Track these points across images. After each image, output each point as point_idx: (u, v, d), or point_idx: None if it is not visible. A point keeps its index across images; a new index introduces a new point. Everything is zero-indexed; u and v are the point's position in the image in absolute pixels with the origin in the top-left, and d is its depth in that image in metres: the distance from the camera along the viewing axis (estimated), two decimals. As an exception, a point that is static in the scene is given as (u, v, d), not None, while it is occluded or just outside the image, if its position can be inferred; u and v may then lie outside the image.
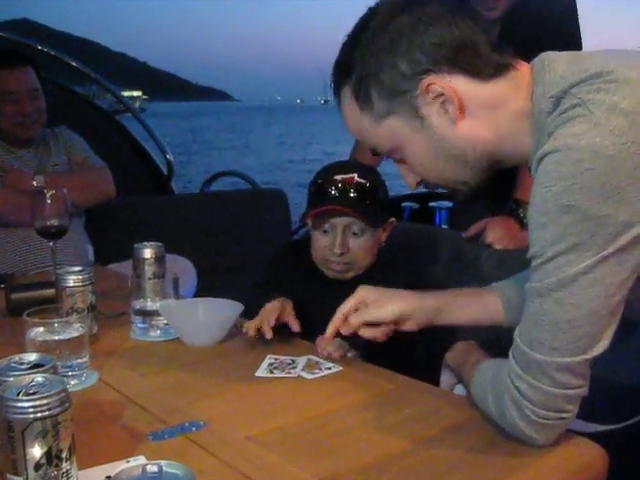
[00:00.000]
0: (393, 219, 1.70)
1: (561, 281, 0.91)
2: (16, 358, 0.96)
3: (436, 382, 1.34)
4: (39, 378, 0.87)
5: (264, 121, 68.79)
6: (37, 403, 0.82)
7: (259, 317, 1.45)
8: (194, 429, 1.08)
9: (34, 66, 2.58)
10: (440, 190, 1.24)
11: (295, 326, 1.45)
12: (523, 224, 1.92)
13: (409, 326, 1.28)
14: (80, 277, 1.48)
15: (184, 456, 0.99)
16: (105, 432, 1.09)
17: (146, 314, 1.57)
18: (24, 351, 1.24)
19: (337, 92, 1.11)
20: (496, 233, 1.87)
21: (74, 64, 3.90)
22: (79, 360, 1.28)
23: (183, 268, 2.71)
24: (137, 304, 1.58)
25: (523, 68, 1.05)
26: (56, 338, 1.26)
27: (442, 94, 1.02)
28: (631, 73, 0.94)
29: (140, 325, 1.57)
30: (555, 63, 1.00)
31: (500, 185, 2.08)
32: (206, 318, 1.53)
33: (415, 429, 1.09)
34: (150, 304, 1.58)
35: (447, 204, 3.16)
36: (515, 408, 0.99)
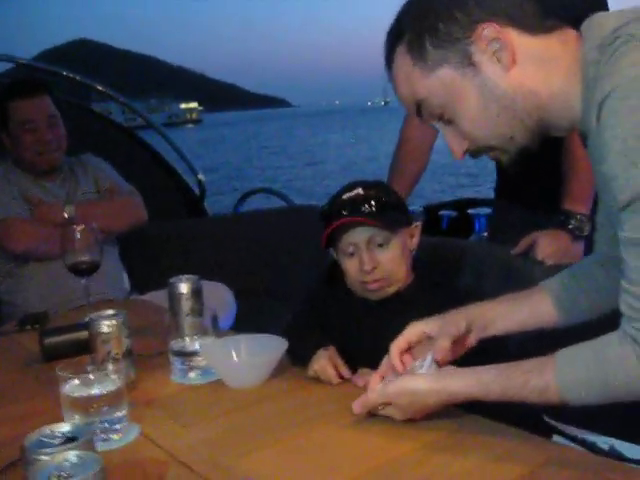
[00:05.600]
0: (418, 223, 1.63)
1: None
2: (47, 431, 0.88)
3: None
4: (73, 457, 0.79)
5: (323, 126, 68.58)
6: (73, 488, 0.74)
7: (323, 368, 1.39)
8: (245, 490, 1.00)
9: (51, 93, 2.53)
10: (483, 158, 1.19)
11: (346, 373, 1.39)
12: (575, 236, 1.81)
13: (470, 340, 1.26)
14: (114, 322, 1.40)
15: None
16: (148, 499, 1.01)
17: (186, 355, 1.49)
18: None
19: (390, 57, 1.12)
20: (547, 248, 1.77)
21: (101, 88, 3.82)
22: (118, 414, 1.20)
23: (222, 295, 2.64)
24: (176, 344, 1.50)
25: (569, 30, 1.06)
26: (92, 393, 1.18)
27: (496, 40, 1.02)
28: None
29: (180, 367, 1.49)
30: (604, 18, 1.02)
31: (542, 192, 2.02)
32: (249, 359, 1.45)
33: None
34: (189, 343, 1.51)
35: (486, 211, 3.04)
36: None
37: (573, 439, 1.43)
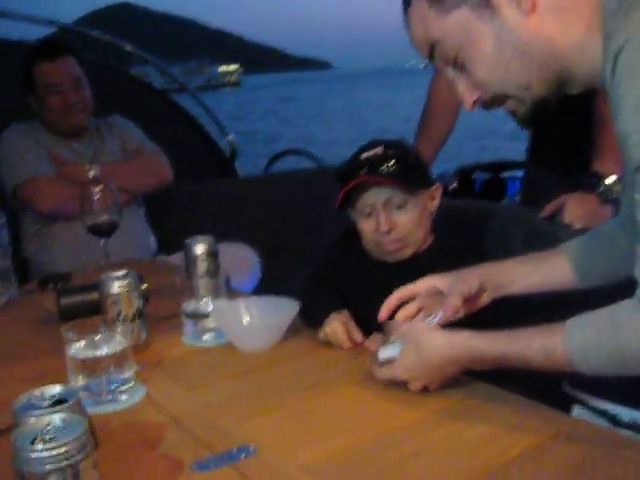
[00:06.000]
0: (438, 185, 1.57)
1: None
2: (37, 393, 0.87)
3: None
4: (57, 420, 0.77)
5: (362, 87, 67.91)
6: (54, 453, 0.73)
7: (335, 331, 1.36)
8: (243, 456, 0.98)
9: (75, 55, 2.51)
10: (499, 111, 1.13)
11: (358, 338, 1.37)
12: (604, 199, 1.74)
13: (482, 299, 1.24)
14: (125, 282, 1.39)
15: (230, 491, 0.90)
16: (146, 461, 1.00)
17: (197, 317, 1.47)
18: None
19: (407, 0, 1.07)
20: (575, 211, 1.70)
21: (137, 51, 3.83)
22: (123, 375, 1.19)
23: (246, 256, 2.63)
24: (188, 306, 1.49)
25: None
26: (97, 354, 1.17)
27: None
28: None
29: (191, 329, 1.47)
30: None
31: (575, 155, 1.94)
32: (259, 321, 1.42)
33: (491, 452, 0.96)
34: (202, 305, 1.49)
35: (520, 174, 2.95)
36: None
37: (594, 410, 1.38)
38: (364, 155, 1.49)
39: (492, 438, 0.99)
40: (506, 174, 3.28)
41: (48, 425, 0.76)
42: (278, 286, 1.73)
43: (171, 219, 2.89)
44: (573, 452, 0.93)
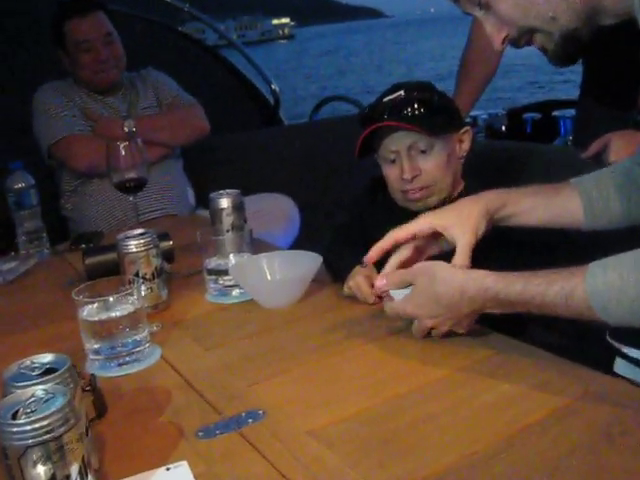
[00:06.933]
0: (468, 127, 1.48)
1: None
2: (27, 362, 0.84)
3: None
4: (40, 391, 0.74)
5: (417, 35, 66.51)
6: (35, 426, 0.69)
7: (359, 285, 1.29)
8: (250, 421, 0.94)
9: (105, 10, 2.46)
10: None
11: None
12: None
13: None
14: (142, 241, 1.35)
15: (234, 458, 0.86)
16: (152, 426, 0.97)
17: (220, 273, 1.43)
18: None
19: None
20: (621, 150, 1.59)
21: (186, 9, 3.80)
22: (137, 337, 1.16)
23: (284, 208, 2.59)
24: (210, 262, 1.44)
25: None
26: (110, 316, 1.15)
27: None
28: None
29: (213, 286, 1.43)
30: None
31: (628, 91, 1.81)
32: (280, 277, 1.37)
33: (513, 414, 0.89)
34: (224, 262, 1.44)
35: (572, 112, 2.79)
36: None
37: (637, 363, 1.30)
38: (386, 98, 1.41)
39: (513, 400, 0.93)
40: (557, 113, 3.12)
41: (31, 397, 0.73)
42: (317, 238, 1.68)
43: (211, 172, 2.84)
44: (601, 416, 0.86)
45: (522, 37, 1.02)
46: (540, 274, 0.94)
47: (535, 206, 1.16)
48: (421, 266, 1.10)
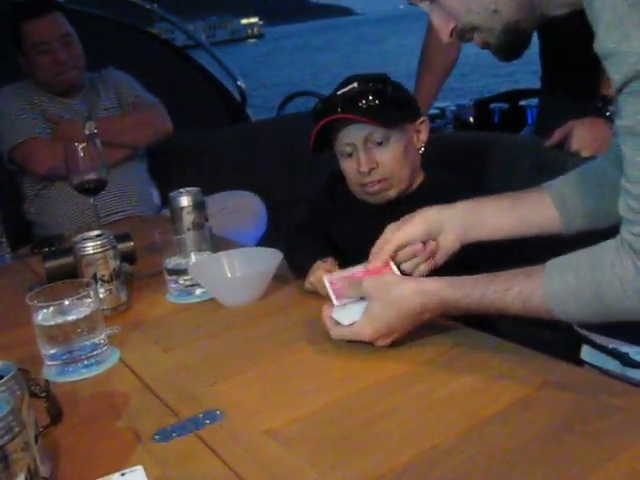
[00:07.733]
0: (425, 118, 1.47)
1: None
2: (-26, 368, 0.81)
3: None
4: (-18, 401, 0.71)
5: (389, 32, 66.43)
6: (-26, 436, 0.67)
7: (320, 280, 1.24)
8: (208, 422, 0.92)
9: (63, 10, 2.41)
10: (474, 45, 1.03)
11: None
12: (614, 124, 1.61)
13: (448, 242, 1.12)
14: (99, 243, 1.33)
15: (190, 461, 0.84)
16: (108, 431, 0.94)
17: (179, 273, 1.40)
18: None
19: None
20: (583, 138, 1.57)
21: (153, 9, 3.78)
22: (94, 340, 1.13)
23: (251, 205, 2.55)
24: (170, 262, 1.42)
25: None
26: (64, 320, 1.12)
27: None
28: None
29: (174, 286, 1.41)
30: None
31: (586, 79, 1.80)
32: (239, 274, 1.35)
33: (473, 406, 0.88)
34: (187, 261, 1.42)
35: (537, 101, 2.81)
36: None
37: (603, 349, 1.30)
38: (340, 91, 1.39)
39: (473, 392, 0.92)
40: (524, 102, 3.13)
41: (-27, 406, 0.71)
42: (285, 234, 1.66)
43: (177, 171, 2.81)
44: (561, 405, 0.85)
45: (466, 33, 1.00)
46: (498, 279, 0.93)
47: (499, 213, 1.12)
48: (372, 287, 1.05)
